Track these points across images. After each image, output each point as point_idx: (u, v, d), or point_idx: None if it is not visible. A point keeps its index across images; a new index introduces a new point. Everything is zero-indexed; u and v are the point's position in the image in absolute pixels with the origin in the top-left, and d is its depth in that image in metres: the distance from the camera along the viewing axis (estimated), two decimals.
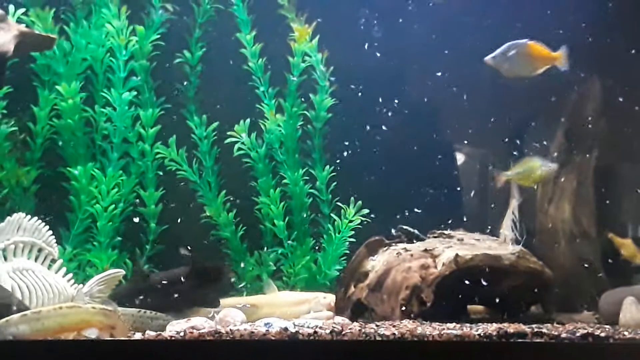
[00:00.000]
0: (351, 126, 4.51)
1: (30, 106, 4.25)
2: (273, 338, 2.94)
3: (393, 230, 3.97)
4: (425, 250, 3.72)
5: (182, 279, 3.76)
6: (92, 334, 3.05)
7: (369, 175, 4.48)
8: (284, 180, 4.41)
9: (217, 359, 2.83)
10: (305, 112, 4.47)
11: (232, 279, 4.20)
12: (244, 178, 4.42)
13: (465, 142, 4.64)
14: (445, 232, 4.00)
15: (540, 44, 3.80)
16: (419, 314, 3.47)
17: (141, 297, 3.68)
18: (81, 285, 3.73)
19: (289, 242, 4.37)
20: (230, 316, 3.48)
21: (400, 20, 4.51)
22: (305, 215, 4.41)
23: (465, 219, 4.32)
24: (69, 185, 4.25)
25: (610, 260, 4.03)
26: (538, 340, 2.96)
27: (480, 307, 3.99)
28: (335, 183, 4.44)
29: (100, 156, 4.32)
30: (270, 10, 4.46)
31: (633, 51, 4.17)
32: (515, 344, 2.96)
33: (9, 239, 3.49)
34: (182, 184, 4.36)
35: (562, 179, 4.16)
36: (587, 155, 4.17)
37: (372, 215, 4.30)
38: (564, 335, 2.99)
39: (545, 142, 4.24)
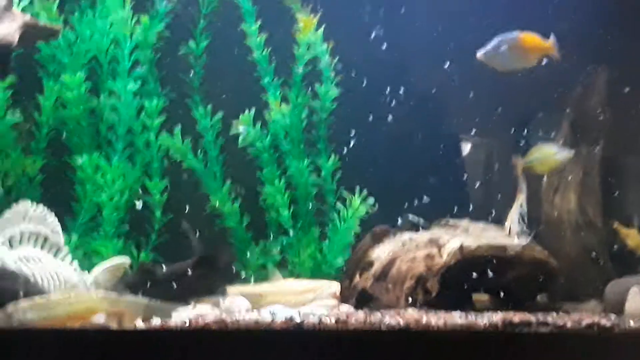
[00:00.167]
0: (356, 116, 4.51)
1: (35, 96, 4.26)
2: (278, 326, 2.94)
3: (399, 220, 3.97)
4: (431, 240, 3.72)
5: (188, 270, 3.77)
6: (99, 319, 3.07)
7: (374, 165, 4.48)
8: (289, 170, 4.41)
9: (222, 347, 2.84)
10: (311, 102, 4.46)
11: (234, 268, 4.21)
12: (250, 168, 4.42)
13: (471, 132, 4.63)
14: (451, 221, 4.00)
15: (532, 34, 3.74)
16: (424, 304, 3.47)
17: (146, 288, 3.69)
18: (87, 273, 3.75)
19: (294, 231, 4.37)
20: (236, 304, 3.49)
21: (406, 10, 4.50)
22: (310, 205, 4.41)
23: (470, 209, 4.32)
24: (74, 175, 4.26)
25: (615, 249, 4.02)
26: (543, 330, 2.96)
27: (485, 297, 3.99)
28: (340, 173, 4.43)
29: (106, 146, 4.33)
30: (275, 0, 4.45)
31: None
32: (521, 334, 2.96)
33: (15, 228, 3.51)
34: (184, 176, 4.37)
35: (568, 169, 4.15)
36: (594, 146, 4.16)
37: (377, 205, 4.29)
38: (569, 324, 2.99)
39: (551, 132, 4.23)
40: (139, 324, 3.19)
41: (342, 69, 4.47)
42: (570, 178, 4.15)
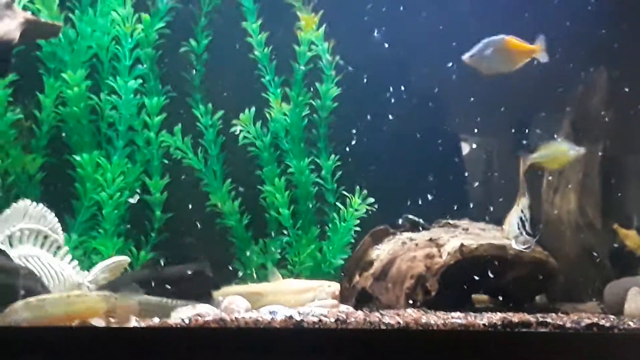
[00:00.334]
0: (357, 115, 4.50)
1: (36, 94, 4.26)
2: (278, 326, 2.94)
3: (401, 220, 3.97)
4: (431, 240, 3.72)
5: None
6: (98, 324, 3.07)
7: (374, 165, 4.48)
8: (289, 169, 4.41)
9: (222, 347, 2.84)
10: (311, 101, 4.46)
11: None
12: (250, 166, 4.42)
13: (471, 131, 4.63)
14: (451, 221, 4.00)
15: (517, 38, 3.75)
16: (423, 303, 3.47)
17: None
18: (87, 272, 3.75)
19: (294, 230, 4.37)
20: (235, 304, 3.49)
21: (407, 9, 4.49)
22: (310, 204, 4.41)
23: (470, 209, 4.32)
24: (74, 173, 4.26)
25: (615, 250, 4.01)
26: (543, 330, 2.96)
27: (485, 297, 3.99)
28: (340, 172, 4.43)
29: (106, 144, 4.33)
30: None
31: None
32: (520, 334, 2.96)
33: (15, 226, 3.51)
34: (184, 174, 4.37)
35: (568, 169, 4.14)
36: (594, 146, 4.15)
37: (377, 205, 4.29)
38: (568, 325, 2.99)
39: (551, 132, 4.22)
40: (139, 323, 3.20)
41: (343, 67, 4.47)
42: (570, 178, 4.14)
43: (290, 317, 3.03)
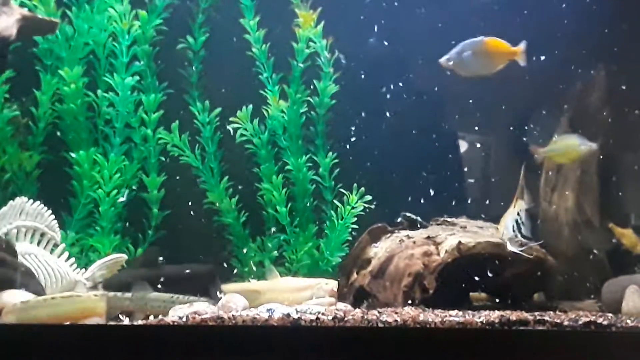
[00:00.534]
0: (354, 113, 4.49)
1: (32, 90, 4.24)
2: (275, 324, 2.94)
3: (400, 218, 3.96)
4: (428, 238, 3.72)
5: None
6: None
7: (372, 162, 4.47)
8: (287, 167, 4.40)
9: (220, 345, 2.83)
10: (309, 98, 4.45)
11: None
12: (247, 164, 4.41)
13: (469, 129, 4.62)
14: (448, 219, 3.99)
15: (498, 39, 3.71)
16: (421, 301, 3.47)
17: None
18: (83, 269, 3.74)
19: (292, 228, 4.37)
20: (233, 302, 3.49)
21: (405, 7, 4.48)
22: (307, 202, 4.40)
23: (467, 207, 4.32)
24: (71, 170, 4.25)
25: (613, 248, 4.02)
26: (540, 328, 2.96)
27: (482, 295, 3.99)
28: (338, 170, 4.43)
29: (103, 141, 4.32)
30: None
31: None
32: (518, 332, 2.96)
33: (11, 223, 3.50)
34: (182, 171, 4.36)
35: (566, 167, 4.14)
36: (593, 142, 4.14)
37: (375, 202, 4.29)
38: (566, 323, 2.99)
39: (549, 130, 4.22)
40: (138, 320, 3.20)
41: (341, 62, 4.46)
42: (568, 176, 4.14)
43: (288, 315, 3.03)
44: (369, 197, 4.29)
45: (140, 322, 3.32)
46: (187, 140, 4.33)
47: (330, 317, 2.99)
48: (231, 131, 4.33)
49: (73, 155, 4.22)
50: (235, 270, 4.31)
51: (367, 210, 4.29)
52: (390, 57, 4.52)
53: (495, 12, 4.33)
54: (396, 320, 2.99)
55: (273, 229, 4.36)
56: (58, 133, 4.27)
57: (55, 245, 3.66)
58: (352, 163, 4.45)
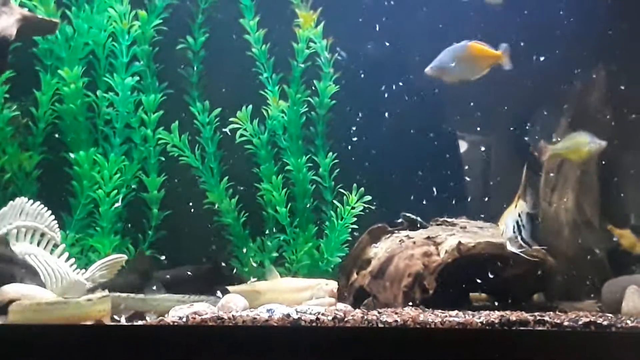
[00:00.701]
0: (355, 113, 4.49)
1: (32, 91, 4.24)
2: (275, 324, 2.94)
3: (400, 219, 3.96)
4: (428, 238, 3.72)
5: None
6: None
7: (372, 163, 4.47)
8: (287, 167, 4.40)
9: (220, 345, 2.83)
10: (309, 98, 4.45)
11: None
12: (247, 164, 4.41)
13: (469, 129, 4.62)
14: (448, 219, 3.99)
15: (481, 43, 3.72)
16: (421, 302, 3.47)
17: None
18: (83, 270, 3.74)
19: (292, 228, 4.37)
20: (233, 302, 3.49)
21: (405, 7, 4.49)
22: (307, 202, 4.40)
23: (467, 207, 4.32)
24: (71, 170, 4.25)
25: (613, 248, 4.02)
26: (540, 328, 2.97)
27: (482, 295, 3.99)
28: (338, 170, 4.42)
29: (103, 141, 4.31)
30: None
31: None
32: (518, 332, 2.97)
33: (11, 224, 3.50)
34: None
35: (566, 167, 4.14)
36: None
37: (375, 203, 4.29)
38: (566, 323, 3.00)
39: (549, 131, 4.23)
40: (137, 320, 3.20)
41: (341, 66, 4.46)
42: (568, 176, 4.14)
43: (288, 316, 3.03)
44: (368, 197, 4.29)
45: (140, 322, 3.32)
46: (187, 141, 4.33)
47: (330, 318, 2.99)
48: (228, 132, 4.32)
49: (73, 155, 4.21)
50: (234, 270, 4.31)
51: (367, 210, 4.29)
52: (390, 57, 4.51)
53: (495, 12, 4.32)
54: (396, 321, 2.99)
55: (273, 230, 4.36)
56: (58, 133, 4.27)
57: (55, 246, 3.65)
58: (352, 163, 4.45)
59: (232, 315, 3.04)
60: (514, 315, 3.08)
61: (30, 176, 4.19)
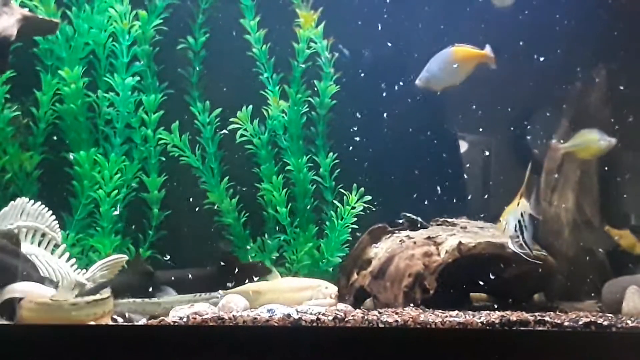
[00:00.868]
0: (355, 113, 4.49)
1: (33, 91, 4.24)
2: (276, 324, 2.94)
3: (401, 219, 3.96)
4: (429, 238, 3.72)
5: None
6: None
7: (372, 162, 4.47)
8: (287, 167, 4.40)
9: (220, 345, 2.83)
10: (310, 98, 4.45)
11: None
12: (247, 164, 4.41)
13: (469, 129, 4.62)
14: (449, 220, 4.00)
15: (464, 46, 3.74)
16: (421, 302, 3.47)
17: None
18: (84, 270, 3.74)
19: (292, 228, 4.37)
20: (233, 302, 3.49)
21: (405, 7, 4.49)
22: (308, 202, 4.40)
23: (468, 207, 4.32)
24: (71, 171, 4.25)
25: (614, 248, 4.02)
26: (541, 329, 2.97)
27: (483, 295, 3.99)
28: (338, 170, 4.43)
29: (103, 141, 4.31)
30: None
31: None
32: (518, 332, 2.97)
33: (12, 224, 3.50)
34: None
35: (566, 168, 4.15)
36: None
37: (376, 203, 4.29)
38: (566, 323, 3.00)
39: (550, 130, 4.23)
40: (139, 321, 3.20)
41: (342, 66, 4.46)
42: (568, 176, 4.14)
43: (289, 316, 3.03)
44: (368, 197, 4.29)
45: (140, 322, 3.32)
46: (187, 141, 4.33)
47: (330, 318, 3.00)
48: (227, 131, 4.32)
49: (73, 155, 4.21)
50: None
51: (368, 210, 4.29)
52: (391, 57, 4.51)
53: (495, 12, 4.33)
54: (396, 321, 3.00)
55: (271, 231, 4.36)
56: (58, 133, 4.27)
57: (56, 246, 3.65)
58: (353, 163, 4.45)
59: (233, 316, 3.05)
60: (514, 316, 3.09)
61: (31, 176, 4.19)
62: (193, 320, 2.99)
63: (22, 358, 2.76)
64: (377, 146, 4.49)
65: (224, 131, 4.33)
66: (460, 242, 3.58)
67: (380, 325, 2.97)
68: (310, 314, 3.08)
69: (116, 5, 4.30)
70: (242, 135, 4.34)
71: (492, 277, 3.65)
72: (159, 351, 2.80)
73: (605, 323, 3.02)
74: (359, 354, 2.83)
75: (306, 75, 4.45)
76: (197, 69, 4.43)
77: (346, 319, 3.00)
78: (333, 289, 3.73)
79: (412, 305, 3.46)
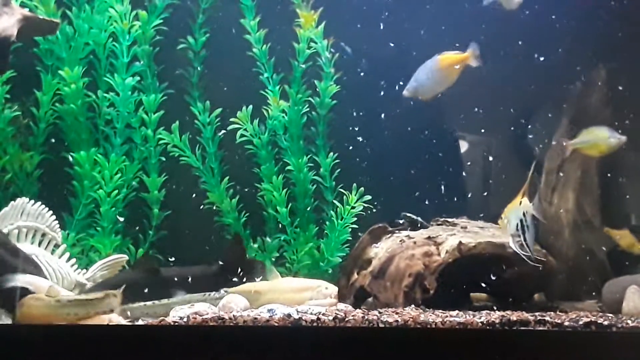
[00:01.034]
0: (355, 113, 4.50)
1: (33, 91, 4.24)
2: (276, 324, 2.94)
3: (401, 219, 3.96)
4: (429, 238, 3.72)
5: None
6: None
7: (372, 162, 4.47)
8: (288, 167, 4.40)
9: (221, 345, 2.83)
10: (310, 98, 4.45)
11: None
12: (248, 164, 4.41)
13: (469, 129, 4.62)
14: (449, 219, 3.99)
15: (448, 53, 3.78)
16: (422, 302, 3.47)
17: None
18: (84, 270, 3.75)
19: (292, 228, 4.37)
20: (234, 302, 3.49)
21: (405, 6, 4.49)
22: (308, 202, 4.40)
23: (468, 207, 4.31)
24: (72, 171, 4.25)
25: (614, 248, 4.02)
26: (541, 328, 2.97)
27: (483, 295, 3.99)
28: (339, 170, 4.43)
29: (103, 141, 4.32)
30: None
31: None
32: (518, 332, 2.97)
33: (12, 224, 3.51)
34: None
35: (567, 168, 4.14)
36: None
37: (376, 203, 4.29)
38: (566, 323, 3.00)
39: (550, 130, 4.23)
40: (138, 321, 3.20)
41: (342, 65, 4.46)
42: (568, 176, 4.14)
43: (289, 316, 3.03)
44: (368, 197, 4.29)
45: (140, 322, 3.32)
46: (187, 141, 4.33)
47: (331, 318, 3.00)
48: (225, 131, 4.32)
49: (74, 155, 4.22)
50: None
51: (368, 210, 4.29)
52: (391, 57, 4.51)
53: (495, 12, 4.32)
54: (397, 321, 2.99)
55: (270, 234, 4.36)
56: (59, 133, 4.27)
57: (56, 246, 3.66)
58: (353, 163, 4.45)
59: (233, 315, 3.04)
60: (514, 315, 3.08)
61: (31, 176, 4.20)
62: (193, 320, 2.99)
63: (22, 358, 2.76)
64: (378, 146, 4.49)
65: (227, 129, 4.33)
66: (460, 242, 3.57)
67: (381, 325, 2.96)
68: (311, 314, 3.08)
69: (116, 5, 4.31)
70: (242, 135, 4.34)
71: (492, 277, 3.65)
72: (159, 351, 2.80)
73: (606, 323, 3.01)
74: (359, 354, 2.82)
75: (306, 75, 4.45)
76: (197, 69, 4.44)
77: (346, 319, 2.99)
78: (333, 289, 3.73)
79: (412, 305, 3.45)
